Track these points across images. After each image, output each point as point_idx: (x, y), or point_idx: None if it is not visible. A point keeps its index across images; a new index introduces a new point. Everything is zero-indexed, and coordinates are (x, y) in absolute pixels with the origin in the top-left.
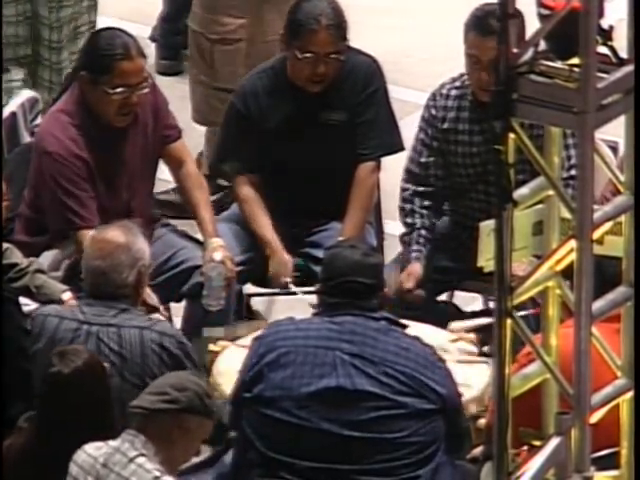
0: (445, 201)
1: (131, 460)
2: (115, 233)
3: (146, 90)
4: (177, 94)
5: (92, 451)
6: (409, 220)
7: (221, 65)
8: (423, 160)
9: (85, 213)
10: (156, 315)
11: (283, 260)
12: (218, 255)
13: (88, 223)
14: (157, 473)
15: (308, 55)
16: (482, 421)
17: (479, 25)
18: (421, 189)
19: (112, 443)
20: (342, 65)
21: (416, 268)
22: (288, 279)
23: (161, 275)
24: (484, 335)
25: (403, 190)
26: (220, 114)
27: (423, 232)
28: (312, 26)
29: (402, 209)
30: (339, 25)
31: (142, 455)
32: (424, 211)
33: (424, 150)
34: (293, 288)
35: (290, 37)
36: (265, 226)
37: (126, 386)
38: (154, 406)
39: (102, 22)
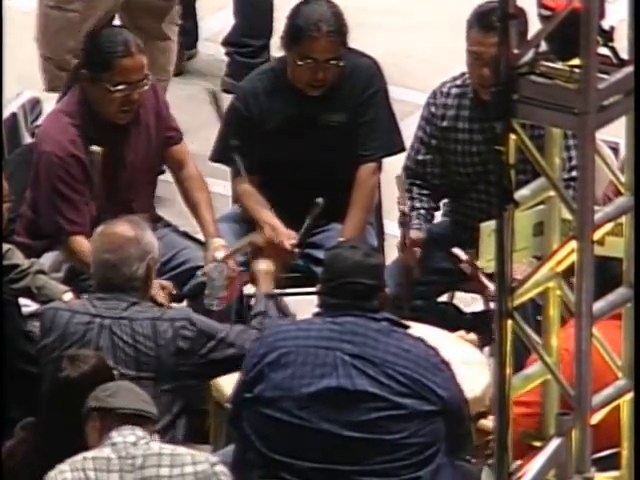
0: (443, 198)
1: (148, 443)
2: (124, 227)
3: (147, 87)
4: (179, 95)
5: (96, 454)
6: (408, 204)
7: (52, 33)
8: (420, 158)
9: (77, 218)
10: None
11: (285, 232)
12: (220, 255)
13: (79, 229)
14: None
15: (308, 61)
16: (483, 422)
17: (481, 21)
18: (419, 182)
19: (113, 441)
20: (342, 69)
21: (417, 233)
22: (293, 241)
23: (162, 275)
24: (484, 336)
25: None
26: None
27: (422, 212)
28: (312, 33)
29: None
30: (339, 31)
31: (151, 441)
32: (423, 197)
33: (422, 148)
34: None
35: (289, 42)
36: (265, 212)
37: (142, 380)
38: (154, 413)
39: None
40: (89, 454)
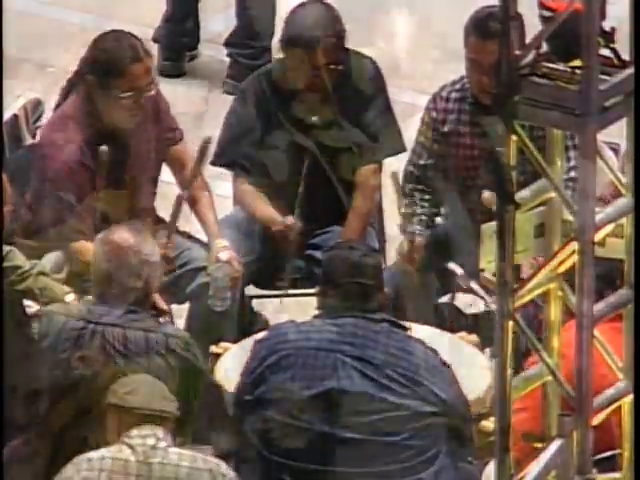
0: (444, 202)
1: (166, 448)
2: (124, 235)
3: (153, 92)
4: (180, 96)
5: (115, 454)
6: (409, 210)
7: None
8: (422, 162)
9: (80, 225)
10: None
11: (281, 219)
12: (224, 255)
13: (82, 237)
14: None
15: (305, 66)
16: (484, 423)
17: (479, 29)
18: (420, 187)
19: (132, 442)
20: (341, 71)
21: (418, 239)
22: (292, 219)
23: (166, 276)
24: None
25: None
26: None
27: (424, 217)
28: (308, 40)
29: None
30: (336, 35)
31: (170, 446)
32: (424, 203)
33: (424, 152)
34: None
35: (286, 46)
36: (260, 205)
37: None
38: (173, 412)
39: (104, 24)
40: (108, 453)
